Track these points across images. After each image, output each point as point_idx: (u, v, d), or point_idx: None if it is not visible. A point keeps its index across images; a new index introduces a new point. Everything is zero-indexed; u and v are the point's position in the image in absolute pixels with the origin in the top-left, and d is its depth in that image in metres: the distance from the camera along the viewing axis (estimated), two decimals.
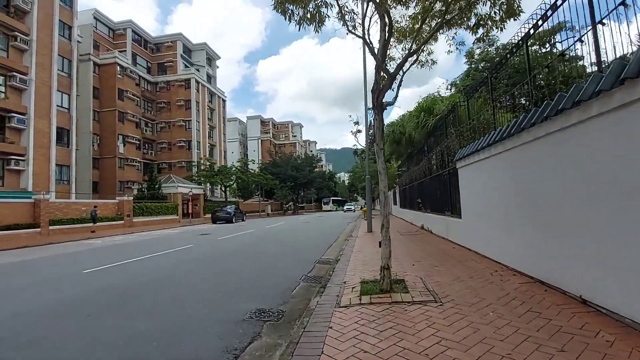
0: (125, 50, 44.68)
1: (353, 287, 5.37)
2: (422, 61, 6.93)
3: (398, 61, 6.16)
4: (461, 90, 12.17)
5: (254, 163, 54.38)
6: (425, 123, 11.91)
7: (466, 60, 22.46)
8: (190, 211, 31.44)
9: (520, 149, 5.25)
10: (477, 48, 22.08)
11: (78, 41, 36.41)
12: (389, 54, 5.94)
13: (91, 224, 21.63)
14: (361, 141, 33.20)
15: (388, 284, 4.98)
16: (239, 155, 79.95)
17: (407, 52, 5.81)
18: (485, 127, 8.53)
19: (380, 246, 5.34)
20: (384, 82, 5.34)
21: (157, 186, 31.62)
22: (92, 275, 7.70)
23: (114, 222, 24.87)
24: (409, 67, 6.66)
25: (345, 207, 63.38)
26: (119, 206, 26.05)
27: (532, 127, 4.78)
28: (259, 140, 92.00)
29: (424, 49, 6.72)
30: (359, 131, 33.34)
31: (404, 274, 6.07)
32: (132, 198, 27.28)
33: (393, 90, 6.16)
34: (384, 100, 5.55)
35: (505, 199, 5.94)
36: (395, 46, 6.60)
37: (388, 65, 6.26)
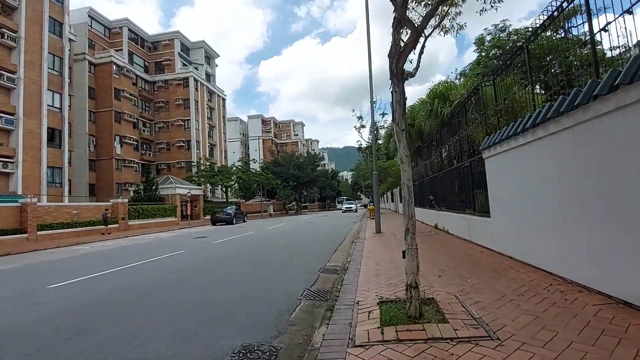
0: (122, 49, 43.61)
1: (369, 312, 4.12)
2: (446, 27, 5.66)
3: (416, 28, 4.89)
4: (478, 75, 10.86)
5: (254, 162, 53.12)
6: (440, 111, 10.59)
7: (476, 48, 21.13)
8: (189, 213, 30.28)
9: (590, 125, 3.97)
10: (488, 34, 20.78)
11: (72, 40, 35.39)
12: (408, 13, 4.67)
13: (103, 227, 22.36)
14: (365, 137, 31.99)
15: (417, 308, 3.73)
16: (240, 155, 78.81)
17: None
18: (518, 109, 7.28)
19: (404, 257, 4.09)
20: (406, 41, 4.08)
21: (154, 187, 30.51)
22: (53, 293, 6.49)
23: (108, 226, 23.70)
24: (431, 32, 5.41)
25: (344, 207, 47.55)
26: (113, 209, 24.91)
27: (611, 94, 3.50)
28: (261, 140, 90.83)
29: (449, 10, 5.44)
30: (363, 126, 32.07)
31: (431, 289, 4.83)
32: (127, 200, 26.15)
33: (412, 61, 4.94)
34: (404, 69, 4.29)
35: (563, 191, 4.66)
36: (414, 8, 5.33)
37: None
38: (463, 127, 9.26)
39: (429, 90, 11.52)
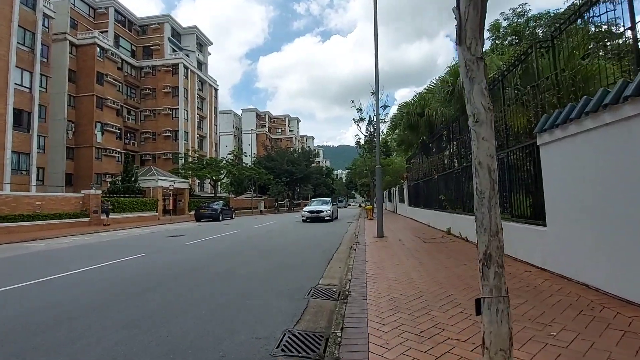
0: (107, 31, 41.06)
1: None
2: None
3: None
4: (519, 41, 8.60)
5: (246, 156, 50.70)
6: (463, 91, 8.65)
7: (490, 35, 19.17)
8: (171, 207, 28.02)
9: None
10: (505, 19, 18.83)
11: (51, 17, 32.85)
12: None
13: (104, 218, 22.47)
14: (364, 130, 29.88)
15: None
16: (233, 149, 76.37)
17: None
18: (583, 85, 5.35)
19: (478, 311, 2.06)
20: None
21: (133, 179, 28.12)
22: None
23: (76, 220, 21.40)
24: None
25: (306, 211, 23.39)
26: (84, 201, 22.58)
27: None
28: (255, 134, 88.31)
29: None
30: (362, 119, 30.05)
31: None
32: (100, 192, 23.79)
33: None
34: None
35: None
36: None
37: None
38: (498, 108, 7.23)
39: (448, 68, 9.52)
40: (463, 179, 9.97)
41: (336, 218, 24.50)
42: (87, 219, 22.32)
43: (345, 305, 4.38)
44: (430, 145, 16.40)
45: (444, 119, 12.71)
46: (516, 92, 6.55)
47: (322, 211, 22.25)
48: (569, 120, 4.62)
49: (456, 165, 10.70)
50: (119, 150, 39.65)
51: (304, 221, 22.24)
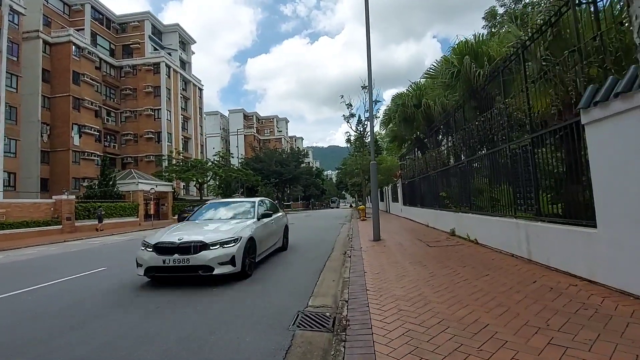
0: (84, 29, 39.10)
1: None
2: None
3: None
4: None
5: (233, 157, 49.05)
6: (475, 72, 7.32)
7: (485, 24, 18.22)
8: (152, 212, 26.42)
9: None
10: (501, 5, 17.89)
11: (22, 14, 30.97)
12: None
13: (98, 224, 22.41)
14: (355, 126, 28.73)
15: None
16: (220, 150, 74.57)
17: None
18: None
19: None
20: None
21: (111, 183, 26.43)
22: None
23: (47, 228, 19.74)
24: None
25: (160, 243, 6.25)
26: (55, 207, 20.90)
27: None
28: (242, 135, 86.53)
29: None
30: (353, 115, 28.89)
31: None
32: (73, 197, 22.12)
33: None
34: None
35: None
36: None
37: None
38: (518, 87, 6.10)
39: (452, 48, 8.37)
40: (470, 174, 8.84)
41: (284, 249, 9.87)
42: (59, 227, 20.64)
43: (344, 346, 3.14)
44: (427, 140, 15.31)
45: (444, 110, 11.60)
46: (543, 63, 5.40)
47: (199, 246, 5.93)
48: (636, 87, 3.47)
49: (462, 157, 9.56)
50: (98, 153, 37.72)
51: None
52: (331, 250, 9.82)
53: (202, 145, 51.63)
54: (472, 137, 8.37)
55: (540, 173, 5.59)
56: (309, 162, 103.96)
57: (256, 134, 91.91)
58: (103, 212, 23.32)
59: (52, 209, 20.78)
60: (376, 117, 23.48)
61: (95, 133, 37.73)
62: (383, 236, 10.80)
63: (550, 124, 5.35)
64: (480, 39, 8.53)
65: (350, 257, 7.83)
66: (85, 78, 36.99)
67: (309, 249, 10.19)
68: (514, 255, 6.34)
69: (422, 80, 13.92)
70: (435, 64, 8.64)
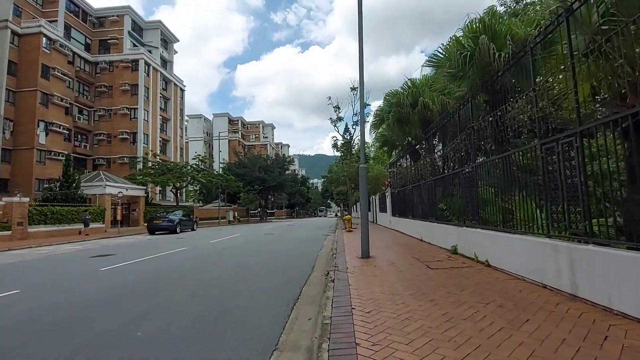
0: (57, 21, 36.78)
1: None
2: None
3: None
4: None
5: (211, 161, 46.62)
6: (493, 54, 5.83)
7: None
8: (120, 218, 24.20)
9: None
10: (501, 5, 16.88)
11: None
12: None
13: (84, 228, 22.03)
14: (343, 131, 27.37)
15: None
16: (203, 155, 72.20)
17: None
18: None
19: None
20: None
21: (74, 185, 24.13)
22: None
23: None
24: None
25: None
26: (4, 211, 18.59)
27: None
28: (227, 140, 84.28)
29: None
30: (340, 119, 27.49)
31: None
32: (27, 200, 19.84)
33: None
34: None
35: None
36: None
37: None
38: (559, 62, 4.65)
39: (462, 29, 6.88)
40: (478, 181, 7.37)
41: None
42: (9, 233, 18.32)
43: None
44: (419, 147, 13.91)
45: (444, 110, 10.18)
46: (596, 36, 3.95)
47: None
48: None
49: (468, 163, 8.10)
50: (66, 153, 35.11)
51: None
52: (311, 269, 8.15)
53: (181, 149, 49.34)
54: (483, 137, 6.92)
55: (593, 178, 4.11)
56: (294, 170, 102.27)
57: (241, 139, 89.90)
58: (89, 217, 22.84)
59: (1, 212, 18.47)
60: (366, 122, 22.09)
61: (65, 131, 35.25)
62: (372, 252, 9.22)
63: (607, 112, 3.89)
64: (498, 16, 7.11)
65: (333, 280, 6.20)
66: (56, 72, 34.62)
67: (285, 267, 8.50)
68: (547, 286, 4.83)
69: (419, 76, 12.55)
70: (440, 50, 7.20)
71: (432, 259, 8.00)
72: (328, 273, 7.28)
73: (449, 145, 9.31)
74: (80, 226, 22.33)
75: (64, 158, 34.05)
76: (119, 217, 24.15)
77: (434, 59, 7.53)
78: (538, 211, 5.17)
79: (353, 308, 4.39)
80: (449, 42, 7.06)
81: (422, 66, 7.74)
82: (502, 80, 6.75)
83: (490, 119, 6.43)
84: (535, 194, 5.24)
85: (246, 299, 5.56)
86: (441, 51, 7.31)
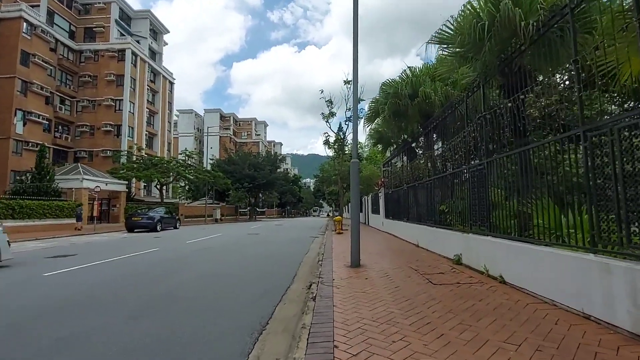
0: (39, 5, 35.02)
1: None
2: None
3: None
4: None
5: (195, 156, 44.60)
6: (522, 23, 4.66)
7: None
8: (96, 214, 22.75)
9: None
10: None
11: None
12: None
13: (77, 222, 22.34)
14: (335, 127, 26.19)
15: None
16: (192, 151, 70.41)
17: None
18: None
19: None
20: None
21: (48, 177, 22.59)
22: None
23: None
24: None
25: None
26: None
27: None
28: (217, 137, 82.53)
29: None
30: (333, 114, 26.26)
31: None
32: None
33: None
34: None
35: None
36: None
37: None
38: (607, 30, 3.52)
39: None
40: (488, 181, 6.24)
41: None
42: None
43: None
44: (415, 143, 12.80)
45: (448, 101, 9.05)
46: None
47: None
48: None
49: (474, 159, 6.98)
50: (46, 144, 33.43)
51: None
52: (291, 280, 6.94)
53: (169, 143, 47.71)
54: (499, 127, 5.79)
55: None
56: (286, 169, 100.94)
57: (233, 136, 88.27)
58: (81, 211, 23.01)
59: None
60: (360, 118, 20.92)
61: (44, 122, 33.55)
62: (364, 259, 8.07)
63: None
64: None
65: (315, 298, 5.02)
66: (37, 59, 32.90)
67: (262, 276, 7.29)
68: (591, 317, 3.70)
69: (416, 67, 11.39)
70: (449, 23, 6.02)
71: (433, 270, 6.85)
72: (310, 286, 6.10)
73: (453, 139, 8.18)
74: (71, 221, 22.64)
75: (46, 150, 32.58)
76: (95, 213, 22.66)
77: (441, 35, 6.35)
78: (577, 218, 4.02)
79: (336, 346, 3.20)
80: (461, 12, 5.89)
81: (427, 43, 6.51)
82: (522, 61, 5.64)
83: (510, 104, 5.29)
84: (574, 196, 4.10)
85: (202, 322, 4.34)
86: (450, 25, 6.15)
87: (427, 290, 5.23)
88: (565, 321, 3.69)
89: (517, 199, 5.24)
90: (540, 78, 5.19)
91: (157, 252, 11.45)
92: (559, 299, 4.21)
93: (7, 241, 8.64)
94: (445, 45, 6.65)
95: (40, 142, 32.74)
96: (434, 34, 6.42)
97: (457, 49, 6.34)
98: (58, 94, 35.83)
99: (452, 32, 6.28)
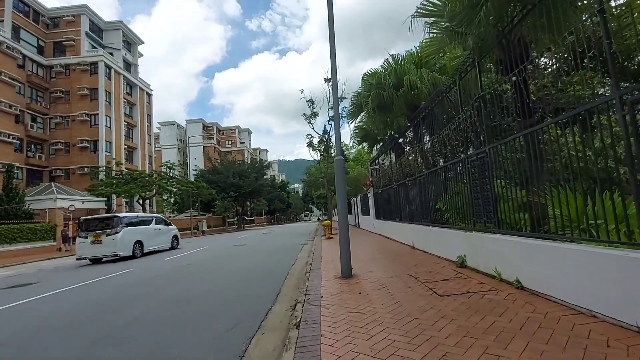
0: (3, 21, 33.42)
1: None
2: None
3: None
4: None
5: (177, 167, 42.96)
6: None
7: None
8: (71, 234, 21.37)
9: None
10: None
11: None
12: None
13: (64, 244, 21.80)
14: (319, 128, 25.42)
15: None
16: (176, 163, 68.66)
17: None
18: None
19: None
20: None
21: (17, 199, 21.14)
22: None
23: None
24: None
25: None
26: None
27: None
28: (201, 147, 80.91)
29: None
30: (315, 114, 25.45)
31: None
32: None
33: None
34: None
35: None
36: None
37: None
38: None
39: None
40: (491, 170, 5.44)
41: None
42: None
43: None
44: (402, 139, 12.04)
45: (435, 89, 8.28)
46: None
47: None
48: None
49: (472, 148, 6.19)
50: (18, 165, 31.78)
51: None
52: (274, 299, 6.00)
53: (151, 156, 46.18)
54: (501, 108, 4.99)
55: None
56: (273, 175, 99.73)
57: (217, 145, 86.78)
58: (68, 233, 22.36)
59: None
60: (342, 117, 20.11)
61: (15, 141, 31.87)
62: (355, 267, 7.20)
63: None
64: None
65: (299, 324, 4.11)
66: (3, 77, 31.29)
67: (240, 297, 6.32)
68: None
69: (400, 53, 10.63)
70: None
71: (436, 277, 6.00)
72: (295, 306, 5.18)
73: (445, 129, 7.39)
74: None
75: (18, 171, 30.92)
76: (71, 234, 21.30)
77: (427, 7, 5.53)
78: (618, 207, 3.22)
79: None
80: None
81: (411, 17, 5.68)
82: (522, 31, 4.87)
83: (514, 78, 4.50)
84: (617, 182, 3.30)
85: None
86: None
87: (434, 305, 4.36)
88: (618, 341, 2.86)
89: (531, 187, 4.43)
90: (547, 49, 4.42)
91: (129, 273, 10.35)
92: (603, 311, 3.38)
93: None
94: (432, 20, 5.84)
95: (8, 163, 31.13)
96: (418, 6, 5.58)
97: (447, 24, 5.55)
98: (29, 111, 34.19)
99: (439, 3, 5.47)
